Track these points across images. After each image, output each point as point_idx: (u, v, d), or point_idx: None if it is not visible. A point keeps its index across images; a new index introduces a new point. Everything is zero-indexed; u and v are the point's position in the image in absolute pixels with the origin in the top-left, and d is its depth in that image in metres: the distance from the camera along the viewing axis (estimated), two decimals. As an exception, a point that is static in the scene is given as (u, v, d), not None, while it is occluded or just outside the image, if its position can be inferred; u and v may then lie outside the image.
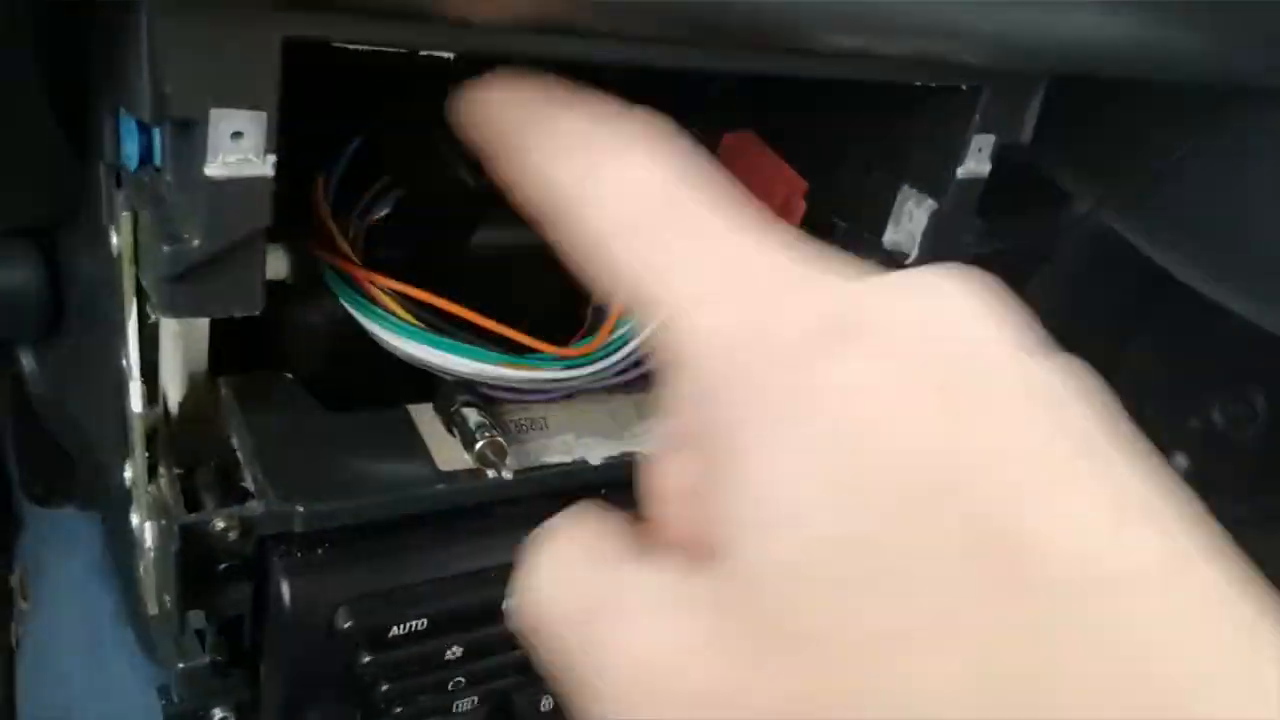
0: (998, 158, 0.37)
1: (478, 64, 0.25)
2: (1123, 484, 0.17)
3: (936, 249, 0.38)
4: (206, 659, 0.34)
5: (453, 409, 0.35)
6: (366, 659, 0.33)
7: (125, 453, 0.35)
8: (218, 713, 0.35)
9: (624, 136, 0.22)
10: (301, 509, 0.32)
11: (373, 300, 0.35)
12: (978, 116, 0.35)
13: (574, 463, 0.37)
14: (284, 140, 0.26)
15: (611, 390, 0.40)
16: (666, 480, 0.22)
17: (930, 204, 0.38)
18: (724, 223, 0.20)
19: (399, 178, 0.38)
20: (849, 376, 0.17)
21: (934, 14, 0.28)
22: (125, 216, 0.29)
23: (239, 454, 0.33)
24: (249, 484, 0.32)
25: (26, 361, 0.47)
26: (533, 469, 0.36)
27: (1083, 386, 0.18)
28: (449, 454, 0.35)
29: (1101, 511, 0.16)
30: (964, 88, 0.35)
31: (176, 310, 0.28)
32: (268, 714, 0.35)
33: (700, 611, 0.18)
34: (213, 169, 0.25)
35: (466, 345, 0.35)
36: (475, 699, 0.38)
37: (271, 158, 0.26)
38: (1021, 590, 0.15)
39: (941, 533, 0.16)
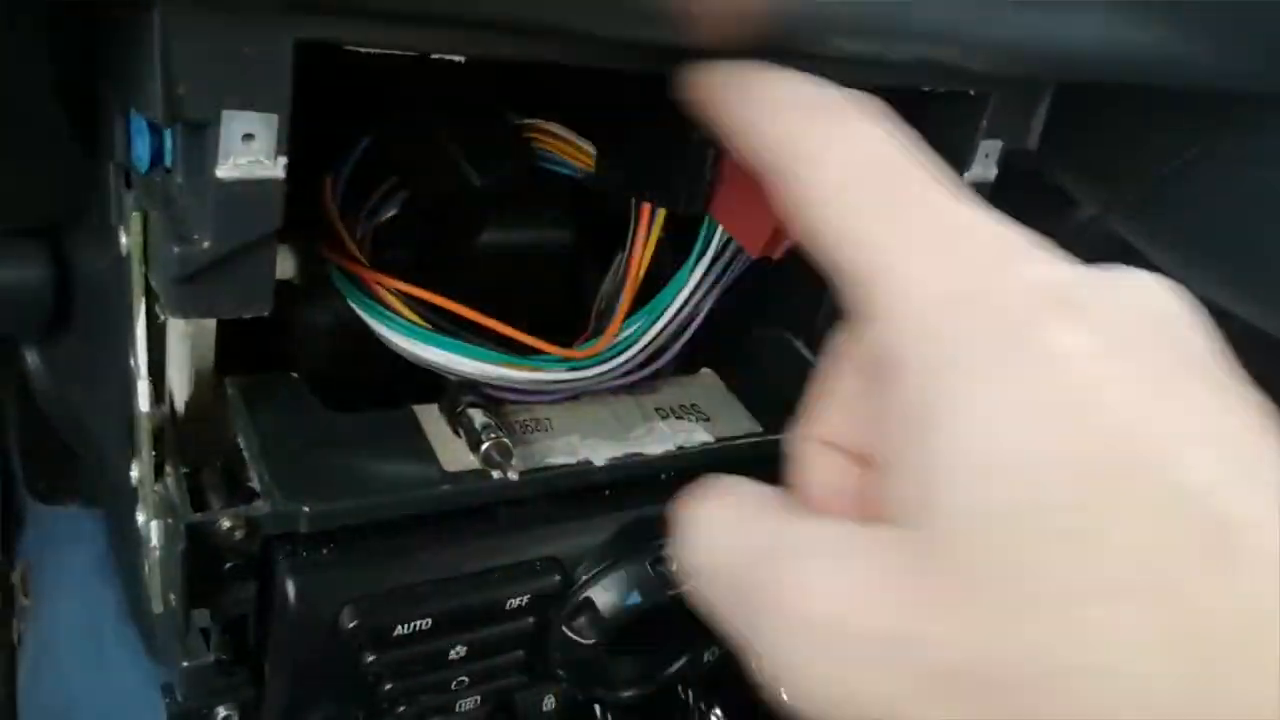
0: (1004, 163, 0.37)
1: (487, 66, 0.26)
2: None
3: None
4: (211, 657, 0.34)
5: (458, 410, 0.35)
6: (370, 658, 0.33)
7: (131, 451, 0.35)
8: (221, 711, 0.35)
9: (855, 106, 0.23)
10: (307, 509, 0.32)
11: (379, 301, 0.35)
12: (985, 122, 0.35)
13: (579, 464, 0.37)
14: (292, 141, 0.26)
15: (616, 391, 0.40)
16: (833, 441, 0.23)
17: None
18: (949, 191, 0.21)
19: (406, 179, 0.38)
20: (1074, 345, 0.18)
21: (942, 21, 0.28)
22: (135, 217, 0.29)
23: (245, 453, 0.33)
24: (255, 483, 0.32)
25: (31, 359, 0.47)
26: (537, 470, 0.36)
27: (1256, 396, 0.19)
28: (454, 455, 0.35)
29: None
30: (971, 93, 0.35)
31: (186, 311, 0.28)
32: (272, 713, 0.35)
33: (880, 556, 0.19)
34: (224, 171, 0.25)
35: (472, 346, 0.36)
36: (478, 698, 0.38)
37: (283, 160, 0.26)
38: (1227, 560, 0.16)
39: (1149, 499, 0.17)
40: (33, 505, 0.63)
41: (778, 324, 0.47)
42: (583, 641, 0.37)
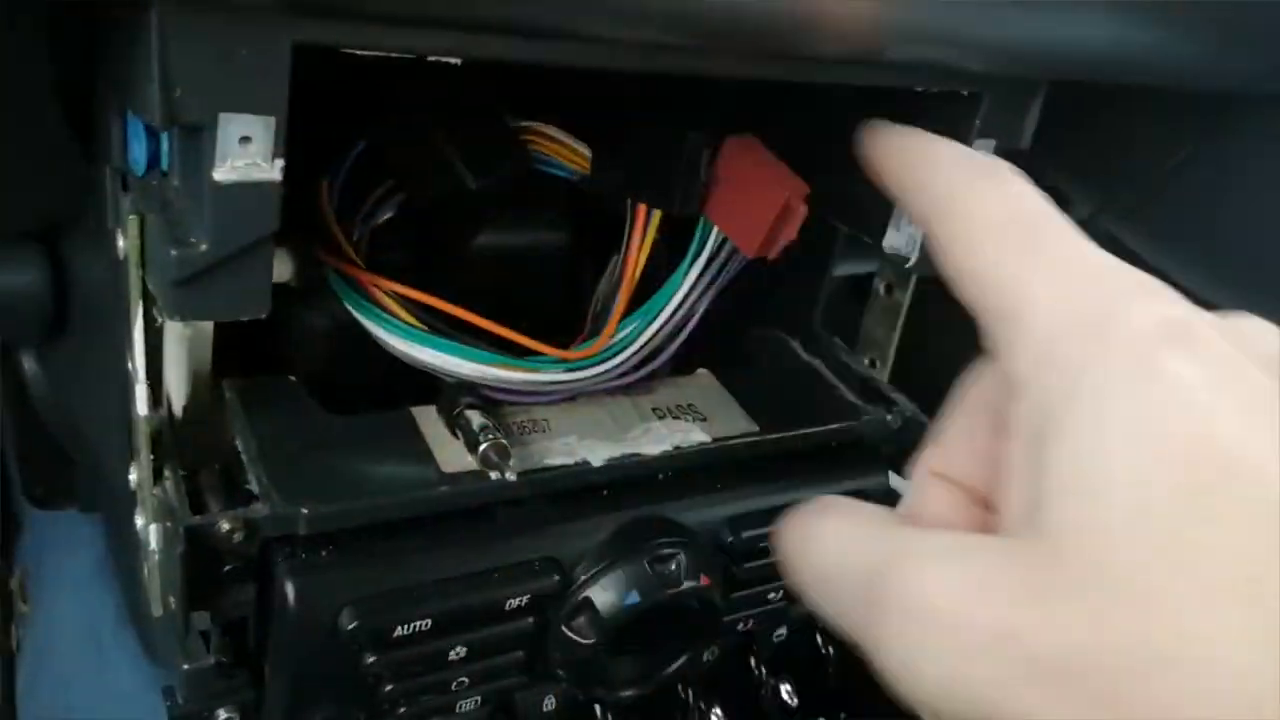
0: (997, 163, 0.37)
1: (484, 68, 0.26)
2: None
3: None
4: (211, 660, 0.34)
5: (456, 411, 0.35)
6: (370, 659, 0.33)
7: (129, 455, 0.35)
8: (222, 713, 0.35)
9: (1003, 167, 0.26)
10: (306, 511, 0.32)
11: (376, 303, 0.35)
12: (978, 122, 0.35)
13: (576, 464, 0.37)
14: (289, 144, 0.26)
15: (613, 392, 0.41)
16: (953, 476, 0.26)
17: (930, 208, 0.38)
18: (1083, 242, 0.24)
19: (402, 182, 0.38)
20: (1190, 376, 0.20)
21: (935, 20, 0.29)
22: (132, 220, 0.29)
23: (243, 456, 0.33)
24: (253, 486, 0.32)
25: (28, 364, 0.47)
26: (535, 470, 0.36)
27: None
28: (452, 456, 0.35)
29: None
30: (965, 93, 0.35)
31: (183, 314, 0.28)
32: (272, 715, 0.35)
33: (995, 556, 0.21)
34: (221, 174, 0.25)
35: (469, 348, 0.36)
36: (478, 699, 0.38)
37: (280, 162, 0.26)
38: None
39: (1249, 513, 0.19)
40: (30, 511, 0.63)
41: (773, 324, 0.48)
42: (582, 641, 0.37)
